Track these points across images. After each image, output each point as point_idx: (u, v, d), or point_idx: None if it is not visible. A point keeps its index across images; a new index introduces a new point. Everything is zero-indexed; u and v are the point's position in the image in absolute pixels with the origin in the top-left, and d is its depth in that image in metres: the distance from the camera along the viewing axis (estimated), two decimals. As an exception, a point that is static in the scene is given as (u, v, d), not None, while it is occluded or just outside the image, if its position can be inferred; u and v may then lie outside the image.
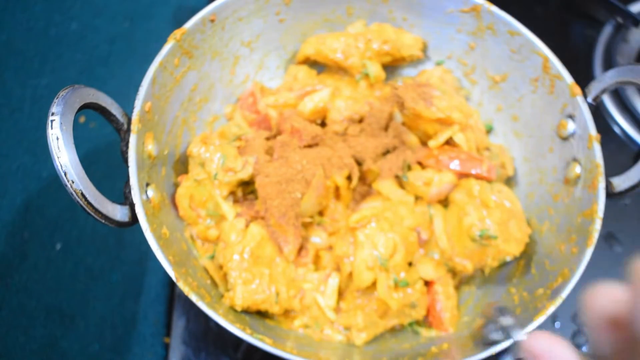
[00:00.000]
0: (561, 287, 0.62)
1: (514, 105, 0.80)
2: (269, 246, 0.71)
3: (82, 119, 0.89)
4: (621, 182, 0.66)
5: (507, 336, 0.55)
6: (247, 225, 0.72)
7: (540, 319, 0.60)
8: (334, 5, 0.81)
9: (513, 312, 0.59)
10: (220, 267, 0.71)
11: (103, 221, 0.58)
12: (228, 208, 0.73)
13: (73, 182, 0.55)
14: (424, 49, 0.84)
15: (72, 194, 0.55)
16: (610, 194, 0.66)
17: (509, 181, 0.81)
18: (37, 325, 0.77)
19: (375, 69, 0.81)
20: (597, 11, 1.04)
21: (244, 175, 0.72)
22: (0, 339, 0.76)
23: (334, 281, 0.72)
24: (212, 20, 0.73)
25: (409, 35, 0.82)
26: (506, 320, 0.57)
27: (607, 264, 0.85)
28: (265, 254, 0.70)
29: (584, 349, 0.80)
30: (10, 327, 0.77)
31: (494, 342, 0.60)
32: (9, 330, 0.76)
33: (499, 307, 0.60)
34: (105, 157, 0.88)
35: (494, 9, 0.75)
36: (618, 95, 0.95)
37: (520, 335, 0.54)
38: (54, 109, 0.55)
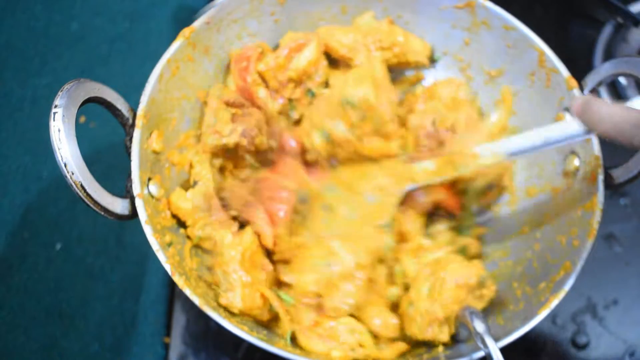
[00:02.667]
0: (563, 280, 0.62)
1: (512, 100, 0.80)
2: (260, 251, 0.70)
3: (82, 119, 0.89)
4: (620, 174, 0.66)
5: (481, 342, 0.55)
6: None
7: (545, 313, 0.60)
8: (329, 3, 0.81)
9: (484, 317, 0.59)
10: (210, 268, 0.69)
11: (102, 213, 0.58)
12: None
13: (73, 174, 0.55)
14: (430, 57, 0.84)
15: (71, 186, 0.55)
16: (610, 186, 0.66)
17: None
18: (37, 325, 0.78)
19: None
20: (597, 11, 1.04)
21: (228, 141, 0.70)
22: (0, 339, 0.76)
23: None
24: (207, 23, 0.73)
25: (419, 41, 0.82)
26: (479, 326, 0.57)
27: (607, 264, 0.85)
28: (259, 258, 0.69)
29: (585, 347, 0.80)
30: (10, 327, 0.77)
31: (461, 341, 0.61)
32: (9, 330, 0.76)
33: (470, 310, 0.59)
34: (105, 157, 0.88)
35: (488, 4, 0.76)
36: (616, 93, 0.95)
37: (491, 343, 0.54)
38: (57, 101, 0.55)
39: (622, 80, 0.94)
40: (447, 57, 0.84)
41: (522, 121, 0.79)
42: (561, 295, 0.61)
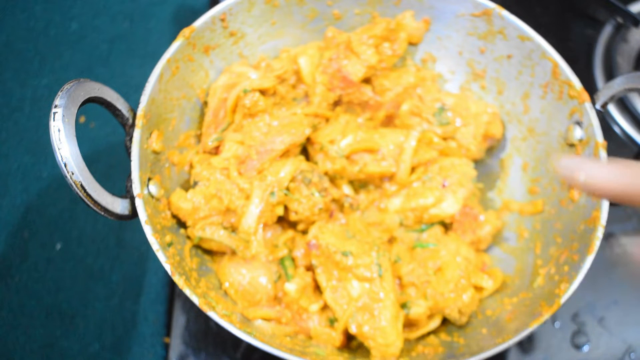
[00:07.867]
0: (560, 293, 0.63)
1: (523, 111, 0.80)
2: None
3: (82, 119, 0.89)
4: None
5: None
6: None
7: (536, 325, 0.61)
8: (348, 6, 0.81)
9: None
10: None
11: (102, 213, 0.58)
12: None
13: (73, 174, 0.55)
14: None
15: (71, 185, 0.55)
16: (614, 203, 0.66)
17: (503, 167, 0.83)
18: (37, 325, 0.78)
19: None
20: (597, 11, 1.04)
21: None
22: (0, 339, 0.76)
23: None
24: (222, 20, 0.74)
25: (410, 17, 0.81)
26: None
27: (607, 264, 0.85)
28: None
29: (585, 347, 0.80)
30: (10, 327, 0.77)
31: None
32: (9, 330, 0.76)
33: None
34: (105, 157, 0.88)
35: (505, 13, 0.75)
36: (624, 106, 0.94)
37: None
38: (57, 101, 0.55)
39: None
40: (462, 65, 0.84)
41: (534, 132, 0.79)
42: (555, 308, 0.62)
